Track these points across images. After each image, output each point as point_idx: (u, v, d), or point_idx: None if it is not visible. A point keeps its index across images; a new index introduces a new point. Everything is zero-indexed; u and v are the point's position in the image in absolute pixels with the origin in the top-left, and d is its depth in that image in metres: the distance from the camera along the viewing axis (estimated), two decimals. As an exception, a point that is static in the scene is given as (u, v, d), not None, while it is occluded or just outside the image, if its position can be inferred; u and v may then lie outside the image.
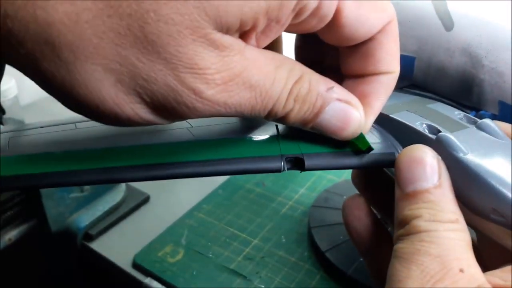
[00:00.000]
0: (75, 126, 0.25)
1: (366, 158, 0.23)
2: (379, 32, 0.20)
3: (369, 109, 0.21)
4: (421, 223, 0.19)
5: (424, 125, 0.23)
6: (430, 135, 0.22)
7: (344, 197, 0.42)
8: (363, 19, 0.19)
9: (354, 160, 0.23)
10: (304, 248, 0.39)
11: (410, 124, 0.23)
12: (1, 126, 0.25)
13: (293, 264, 0.37)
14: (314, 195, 0.44)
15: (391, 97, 0.28)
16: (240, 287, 0.36)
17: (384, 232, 0.25)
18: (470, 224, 0.20)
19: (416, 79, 0.30)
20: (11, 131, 0.24)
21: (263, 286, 0.36)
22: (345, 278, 0.35)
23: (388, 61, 0.21)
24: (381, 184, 0.27)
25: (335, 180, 0.45)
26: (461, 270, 0.17)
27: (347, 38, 0.20)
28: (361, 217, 0.25)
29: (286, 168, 0.21)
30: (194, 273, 0.37)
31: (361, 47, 0.21)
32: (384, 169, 0.26)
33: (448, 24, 0.27)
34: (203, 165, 0.21)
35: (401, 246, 0.19)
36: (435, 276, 0.17)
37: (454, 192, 0.20)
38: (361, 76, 0.22)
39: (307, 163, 0.22)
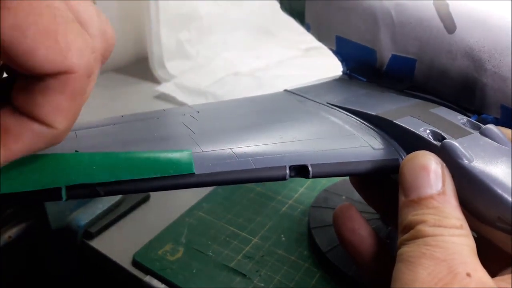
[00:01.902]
0: (75, 134, 0.25)
1: (370, 165, 0.23)
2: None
3: None
4: (426, 228, 0.19)
5: (428, 131, 0.23)
6: (435, 142, 0.22)
7: (344, 197, 0.42)
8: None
9: (358, 167, 0.23)
10: (304, 247, 0.39)
11: (414, 130, 0.23)
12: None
13: (292, 263, 0.38)
14: (314, 194, 0.44)
15: (392, 101, 0.28)
16: (239, 286, 0.36)
17: (379, 242, 0.25)
18: (474, 230, 0.21)
19: (417, 81, 0.30)
20: None
21: (262, 285, 0.36)
22: (346, 278, 0.35)
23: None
24: (379, 183, 0.27)
25: (334, 179, 0.46)
26: (468, 274, 0.17)
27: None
28: (354, 229, 0.25)
29: (290, 176, 0.22)
30: (194, 271, 0.37)
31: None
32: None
33: (450, 26, 0.27)
34: (208, 176, 0.21)
35: (407, 250, 0.19)
36: (443, 280, 0.17)
37: (459, 199, 0.20)
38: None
39: (313, 170, 0.22)
